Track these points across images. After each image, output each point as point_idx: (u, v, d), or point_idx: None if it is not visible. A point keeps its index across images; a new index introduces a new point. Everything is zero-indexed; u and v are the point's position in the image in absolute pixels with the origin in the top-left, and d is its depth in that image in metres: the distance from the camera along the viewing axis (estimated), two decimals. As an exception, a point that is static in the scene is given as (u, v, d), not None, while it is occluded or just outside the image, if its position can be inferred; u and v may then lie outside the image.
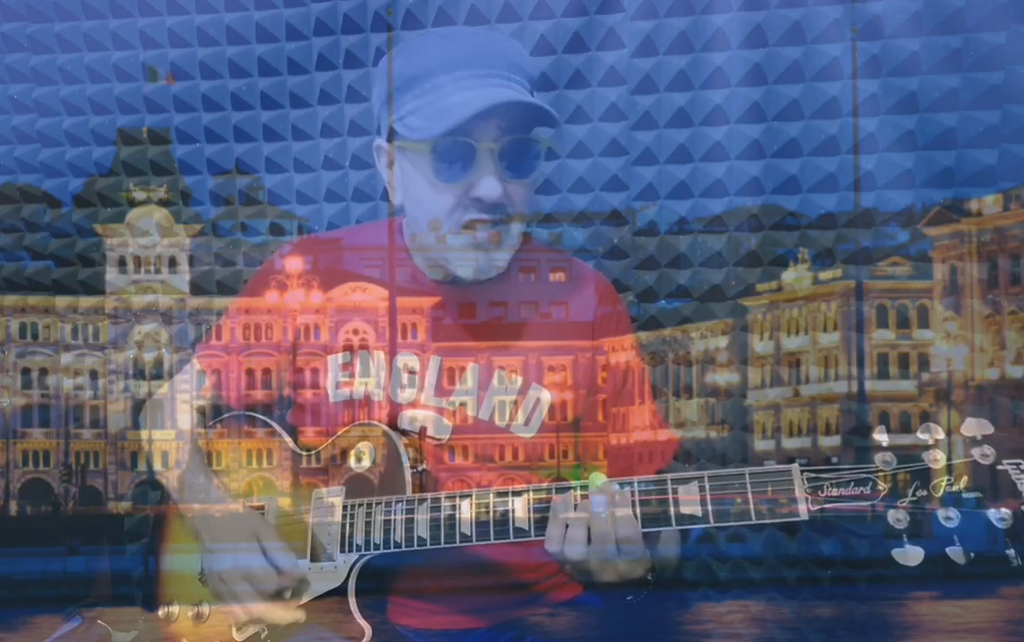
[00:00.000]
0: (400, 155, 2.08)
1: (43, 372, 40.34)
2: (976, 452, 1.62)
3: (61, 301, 39.20)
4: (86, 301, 39.39)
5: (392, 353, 2.13)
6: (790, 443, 40.44)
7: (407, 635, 2.08)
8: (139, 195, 37.30)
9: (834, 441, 39.40)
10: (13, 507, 38.72)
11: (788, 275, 40.03)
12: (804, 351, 40.63)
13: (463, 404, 2.12)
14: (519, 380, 2.11)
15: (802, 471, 1.68)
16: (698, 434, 38.58)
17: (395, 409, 2.08)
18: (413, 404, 2.10)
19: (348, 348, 2.16)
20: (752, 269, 39.73)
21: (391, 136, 2.09)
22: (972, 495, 1.60)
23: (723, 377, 40.62)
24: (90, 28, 34.54)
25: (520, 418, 2.11)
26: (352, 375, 2.14)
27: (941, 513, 1.62)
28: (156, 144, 36.47)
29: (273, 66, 34.03)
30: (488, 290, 2.15)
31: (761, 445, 40.70)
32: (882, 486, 1.63)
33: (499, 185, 2.02)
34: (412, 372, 2.11)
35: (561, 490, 1.71)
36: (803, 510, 1.68)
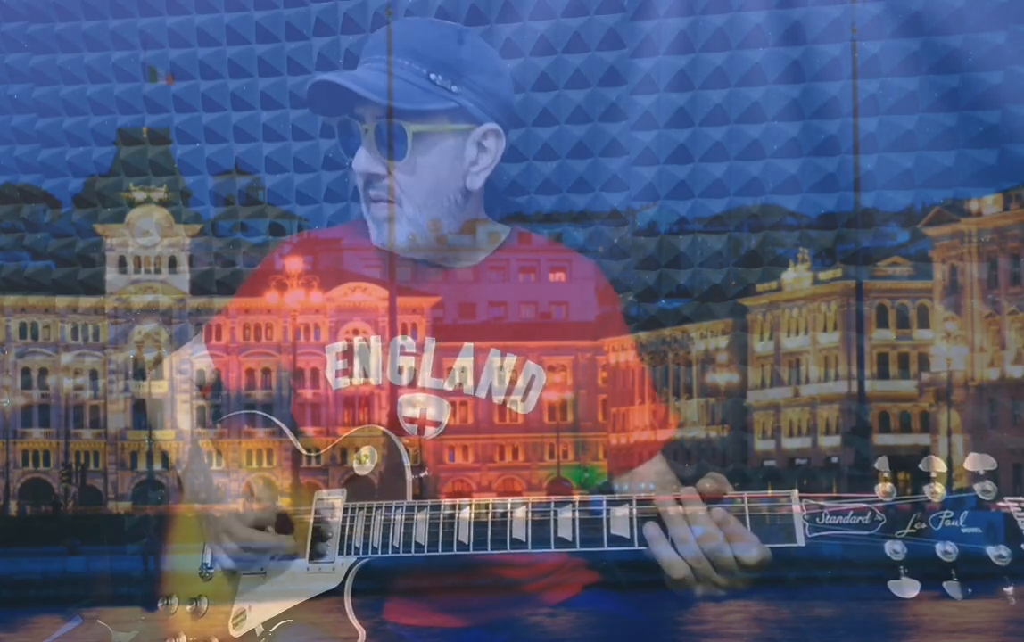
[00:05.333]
0: None
1: (43, 372, 40.33)
2: (978, 487, 1.56)
3: (61, 301, 39.19)
4: (86, 301, 39.37)
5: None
6: (790, 443, 40.47)
7: (404, 634, 2.07)
8: (139, 195, 37.29)
9: (834, 441, 39.41)
10: (13, 507, 38.70)
11: (788, 275, 40.02)
12: (804, 351, 40.63)
13: (460, 383, 2.12)
14: (514, 357, 2.12)
15: (801, 498, 1.64)
16: (698, 434, 38.58)
17: (395, 392, 2.09)
18: (411, 386, 2.11)
19: (346, 338, 2.17)
20: (752, 269, 39.69)
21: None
22: (973, 530, 1.54)
23: (723, 377, 40.63)
24: (90, 28, 34.47)
25: (517, 393, 2.11)
26: (351, 363, 2.15)
27: (939, 548, 1.57)
28: (156, 144, 36.39)
29: (273, 66, 34.02)
30: (488, 289, 2.16)
31: (761, 445, 40.71)
32: (881, 517, 1.58)
33: (365, 157, 2.12)
34: (409, 354, 2.12)
35: (561, 504, 1.69)
36: (800, 538, 1.64)
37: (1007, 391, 37.57)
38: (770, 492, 1.61)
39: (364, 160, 2.09)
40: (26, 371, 41.97)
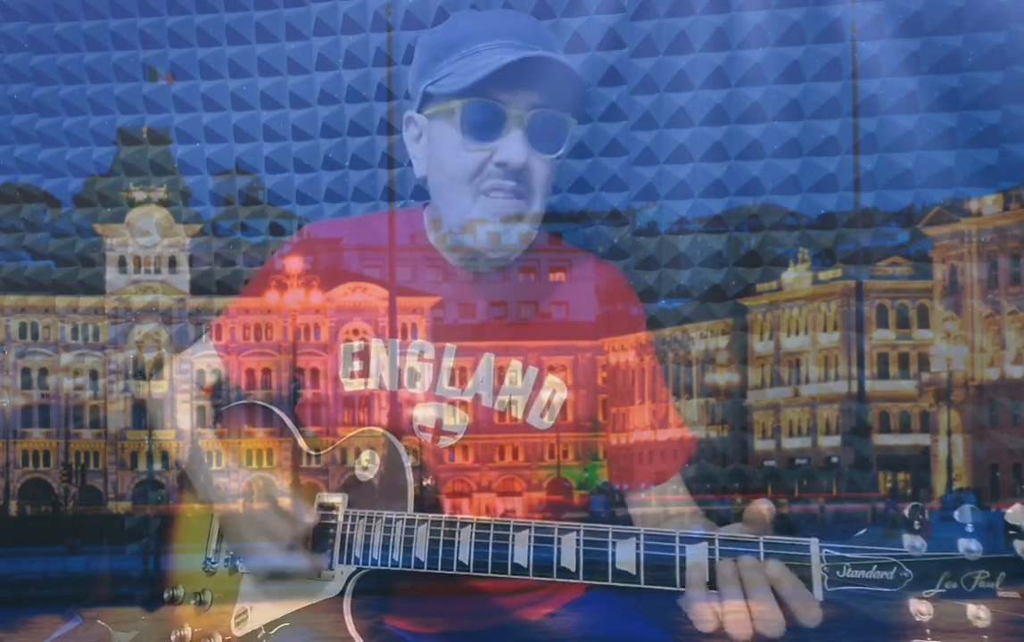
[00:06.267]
0: (429, 123, 2.08)
1: (43, 372, 40.30)
2: (1019, 546, 1.41)
3: (61, 301, 39.17)
4: (86, 301, 39.34)
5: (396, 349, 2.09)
6: (790, 443, 40.46)
7: (404, 636, 2.06)
8: (139, 195, 37.28)
9: (834, 441, 39.40)
10: (13, 507, 38.67)
11: (788, 275, 40.00)
12: (804, 351, 40.61)
13: (478, 396, 2.07)
14: (536, 371, 2.07)
15: (821, 548, 1.52)
16: (698, 434, 38.55)
17: (407, 400, 2.05)
18: (426, 395, 2.06)
19: (361, 337, 2.11)
20: (752, 269, 39.70)
21: (423, 104, 2.07)
22: (1010, 595, 1.41)
23: (723, 377, 40.62)
24: (90, 28, 34.49)
25: (537, 410, 2.06)
26: (367, 366, 2.09)
27: (971, 611, 1.44)
28: (156, 144, 36.41)
29: (273, 66, 34.02)
30: (491, 289, 2.12)
31: (761, 445, 40.70)
32: (907, 574, 1.45)
33: (524, 151, 2.02)
34: (427, 360, 2.07)
35: (564, 531, 1.62)
36: (818, 591, 1.55)
37: (1007, 391, 37.53)
38: (789, 539, 1.51)
39: (518, 150, 2.01)
40: (26, 371, 41.91)
